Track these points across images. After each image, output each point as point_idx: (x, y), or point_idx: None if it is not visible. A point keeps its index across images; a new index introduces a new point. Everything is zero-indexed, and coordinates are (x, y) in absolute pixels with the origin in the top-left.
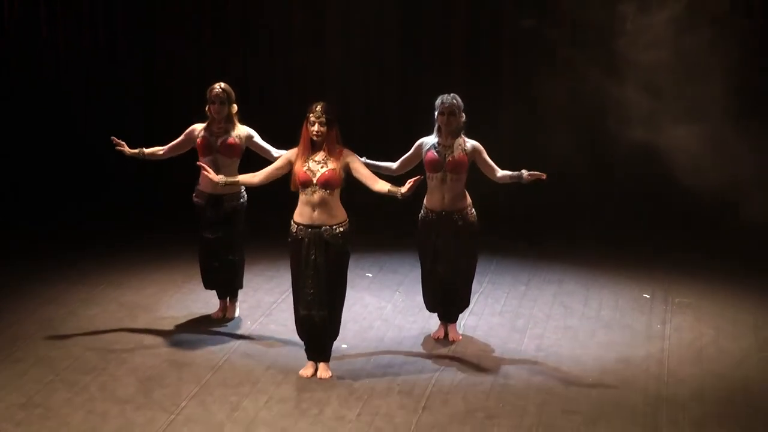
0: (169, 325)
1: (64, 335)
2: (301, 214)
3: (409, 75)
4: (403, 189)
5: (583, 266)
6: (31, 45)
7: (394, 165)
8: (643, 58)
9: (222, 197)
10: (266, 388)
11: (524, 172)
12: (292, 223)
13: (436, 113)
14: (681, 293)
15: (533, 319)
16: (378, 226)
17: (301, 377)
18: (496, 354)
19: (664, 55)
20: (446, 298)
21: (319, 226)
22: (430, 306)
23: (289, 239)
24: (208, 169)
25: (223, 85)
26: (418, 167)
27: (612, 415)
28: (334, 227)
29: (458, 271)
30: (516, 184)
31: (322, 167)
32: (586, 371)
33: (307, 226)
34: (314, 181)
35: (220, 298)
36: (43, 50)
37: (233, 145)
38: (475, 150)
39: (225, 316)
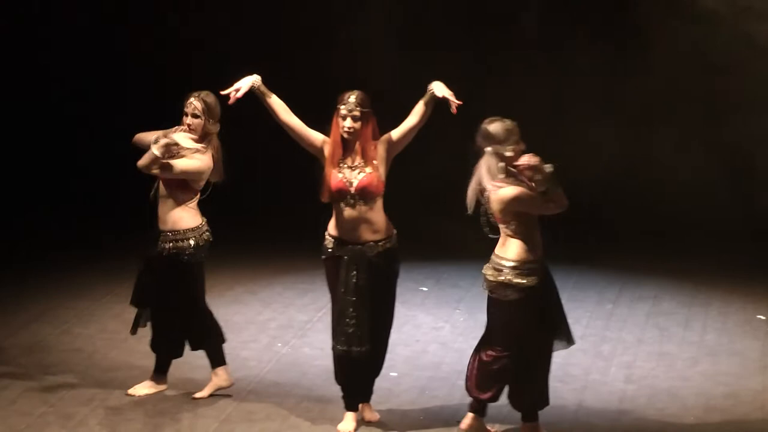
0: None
1: (58, 359)
2: (338, 228)
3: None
4: (437, 92)
5: (682, 280)
6: None
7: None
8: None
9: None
10: (299, 424)
11: None
12: (327, 237)
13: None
14: None
15: (622, 344)
16: (434, 231)
17: None
18: (577, 386)
19: None
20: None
21: (362, 243)
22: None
23: (323, 256)
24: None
25: (204, 94)
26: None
27: None
28: (380, 243)
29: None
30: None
31: (359, 173)
32: (686, 408)
33: (345, 242)
34: (352, 191)
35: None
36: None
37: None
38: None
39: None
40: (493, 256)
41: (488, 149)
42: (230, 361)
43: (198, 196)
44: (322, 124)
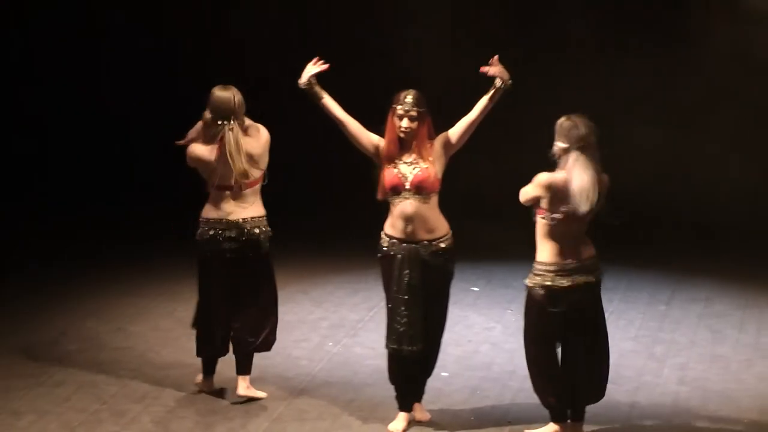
0: None
1: (112, 356)
2: (394, 226)
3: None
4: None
5: (735, 282)
6: None
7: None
8: None
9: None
10: (350, 423)
11: None
12: (383, 236)
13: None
14: None
15: (675, 345)
16: (486, 229)
17: None
18: (630, 387)
19: None
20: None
21: (417, 242)
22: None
23: (379, 254)
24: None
25: (219, 86)
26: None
27: None
28: (434, 242)
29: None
30: None
31: (414, 169)
32: (740, 411)
33: (400, 241)
34: (407, 186)
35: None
36: None
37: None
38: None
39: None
40: (585, 263)
41: (593, 140)
42: (282, 361)
43: (223, 191)
44: (376, 125)
